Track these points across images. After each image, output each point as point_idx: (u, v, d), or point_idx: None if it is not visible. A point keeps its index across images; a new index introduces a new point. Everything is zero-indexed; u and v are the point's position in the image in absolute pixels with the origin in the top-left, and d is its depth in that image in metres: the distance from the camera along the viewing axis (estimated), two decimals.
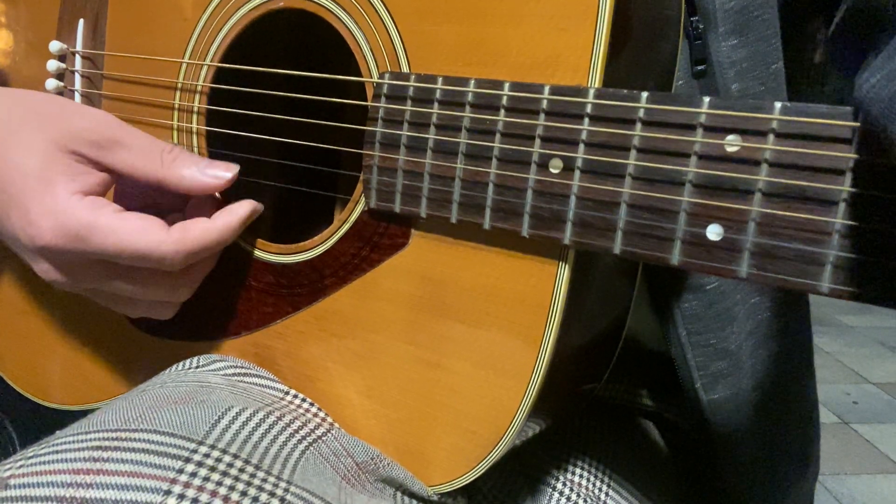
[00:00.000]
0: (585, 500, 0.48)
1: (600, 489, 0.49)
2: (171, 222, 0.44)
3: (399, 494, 0.44)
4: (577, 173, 0.35)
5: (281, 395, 0.47)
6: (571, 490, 0.48)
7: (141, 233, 0.43)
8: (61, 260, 0.44)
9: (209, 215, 0.46)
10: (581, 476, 0.49)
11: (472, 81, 0.38)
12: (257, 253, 0.49)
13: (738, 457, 0.50)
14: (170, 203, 0.48)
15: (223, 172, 0.45)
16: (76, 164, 0.44)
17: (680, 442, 0.58)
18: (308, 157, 0.49)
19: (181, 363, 0.48)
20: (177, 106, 0.51)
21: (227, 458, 0.36)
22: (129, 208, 0.44)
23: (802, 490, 0.56)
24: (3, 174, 0.44)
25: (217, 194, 0.47)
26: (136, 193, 0.47)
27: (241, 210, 0.46)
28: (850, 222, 0.29)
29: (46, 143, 0.43)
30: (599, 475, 0.50)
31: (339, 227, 0.45)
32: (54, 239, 0.42)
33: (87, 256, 0.44)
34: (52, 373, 0.59)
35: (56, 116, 0.45)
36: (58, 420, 0.60)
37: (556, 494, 0.48)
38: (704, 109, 0.32)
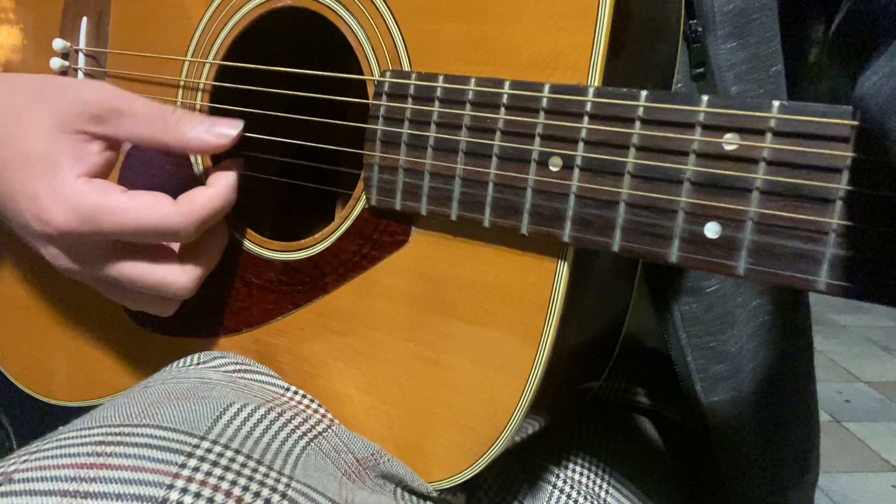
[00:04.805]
0: (585, 498, 0.48)
1: (600, 487, 0.49)
2: None
3: (399, 490, 0.44)
4: (577, 171, 0.36)
5: (281, 391, 0.47)
6: (572, 487, 0.48)
7: (150, 207, 0.43)
8: (72, 245, 0.44)
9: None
10: (581, 474, 0.49)
11: (473, 80, 0.38)
12: (258, 250, 0.49)
13: (738, 458, 0.50)
14: (174, 187, 0.48)
15: (228, 130, 0.45)
16: (81, 143, 0.44)
17: (680, 442, 0.58)
18: (309, 154, 0.49)
19: (182, 360, 0.48)
20: (179, 104, 0.51)
21: (228, 454, 0.36)
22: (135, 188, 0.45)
23: (803, 492, 0.56)
24: (8, 160, 0.44)
25: None
26: (142, 180, 0.47)
27: (234, 168, 0.47)
28: (846, 220, 0.29)
29: (49, 127, 0.44)
30: (600, 473, 0.50)
31: (340, 225, 0.45)
32: (66, 223, 0.43)
33: (99, 239, 0.44)
34: (55, 369, 0.59)
35: (55, 96, 0.45)
36: (54, 415, 0.60)
37: (557, 492, 0.48)
38: (703, 108, 0.32)
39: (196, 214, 0.44)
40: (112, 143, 0.45)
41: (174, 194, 0.45)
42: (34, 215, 0.43)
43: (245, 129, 0.47)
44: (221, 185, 0.46)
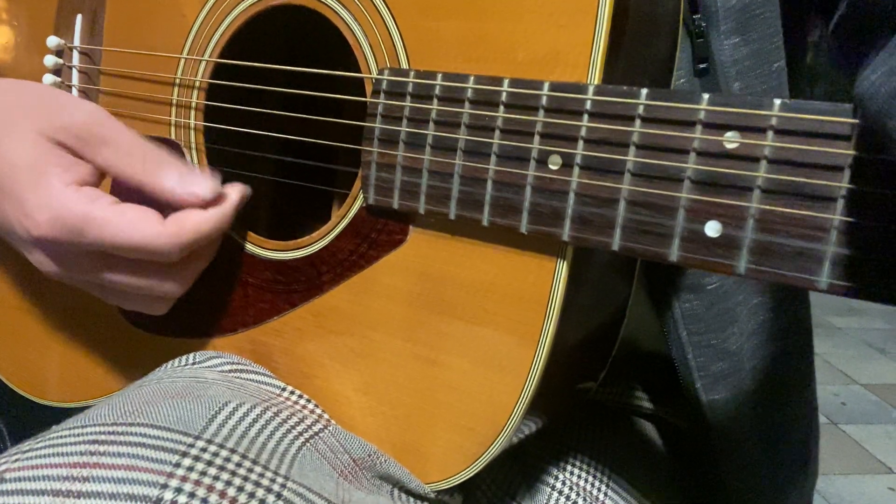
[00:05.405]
0: (585, 500, 0.48)
1: (599, 489, 0.49)
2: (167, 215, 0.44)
3: (396, 491, 0.44)
4: (577, 170, 0.36)
5: (278, 391, 0.47)
6: (570, 489, 0.48)
7: (137, 225, 0.42)
8: (57, 251, 0.44)
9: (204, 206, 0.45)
10: (580, 476, 0.49)
11: (472, 78, 0.38)
12: (254, 249, 0.49)
13: (739, 458, 0.50)
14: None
15: (201, 191, 0.44)
16: (66, 154, 0.44)
17: (679, 444, 0.58)
18: (306, 153, 0.49)
19: (177, 359, 0.48)
20: (175, 102, 0.51)
21: (224, 453, 0.36)
22: (126, 201, 0.44)
23: (802, 491, 0.56)
24: None
25: None
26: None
27: (233, 196, 0.46)
28: (848, 219, 0.29)
29: (36, 134, 0.43)
30: (598, 475, 0.50)
31: (337, 224, 0.45)
32: (51, 231, 0.42)
33: (83, 248, 0.43)
34: (48, 370, 0.58)
35: (46, 107, 0.44)
36: (50, 416, 0.59)
37: (556, 494, 0.48)
38: (704, 106, 0.32)
39: (183, 238, 0.43)
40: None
41: (167, 208, 0.44)
42: (19, 220, 0.43)
43: (242, 127, 0.47)
44: (215, 211, 0.45)
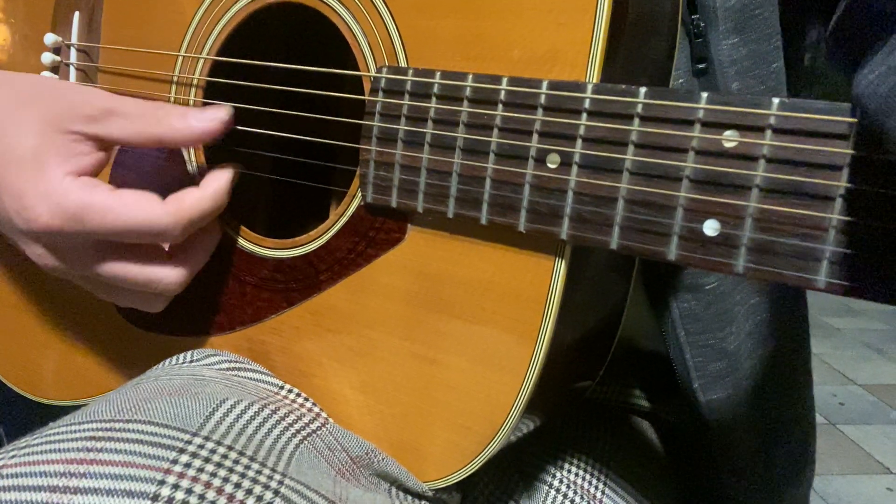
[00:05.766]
0: (582, 498, 0.48)
1: (597, 487, 0.49)
2: None
3: (394, 489, 0.44)
4: (575, 168, 0.36)
5: (276, 389, 0.46)
6: (568, 487, 0.48)
7: (137, 207, 0.42)
8: (56, 243, 0.44)
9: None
10: (577, 475, 0.49)
11: (470, 76, 0.38)
12: (252, 247, 0.48)
13: (736, 457, 0.50)
14: (166, 187, 0.47)
15: (218, 113, 0.45)
16: (71, 144, 0.43)
17: (677, 443, 0.58)
18: (304, 151, 0.49)
19: (175, 357, 0.47)
20: (173, 99, 0.51)
21: (221, 450, 0.36)
22: (126, 187, 0.44)
23: (799, 490, 0.56)
24: None
25: None
26: (133, 179, 0.47)
27: (227, 173, 0.46)
28: (846, 218, 0.29)
29: (40, 125, 0.43)
30: (596, 473, 0.50)
31: (335, 222, 0.45)
32: (50, 221, 0.42)
33: (84, 238, 0.43)
34: (45, 368, 0.58)
35: (47, 96, 0.44)
36: (48, 418, 0.59)
37: (553, 492, 0.48)
38: (702, 105, 0.32)
39: (183, 215, 0.43)
40: (103, 145, 0.45)
41: (165, 194, 0.44)
42: (18, 213, 0.43)
43: (240, 125, 0.47)
44: (212, 188, 0.45)
